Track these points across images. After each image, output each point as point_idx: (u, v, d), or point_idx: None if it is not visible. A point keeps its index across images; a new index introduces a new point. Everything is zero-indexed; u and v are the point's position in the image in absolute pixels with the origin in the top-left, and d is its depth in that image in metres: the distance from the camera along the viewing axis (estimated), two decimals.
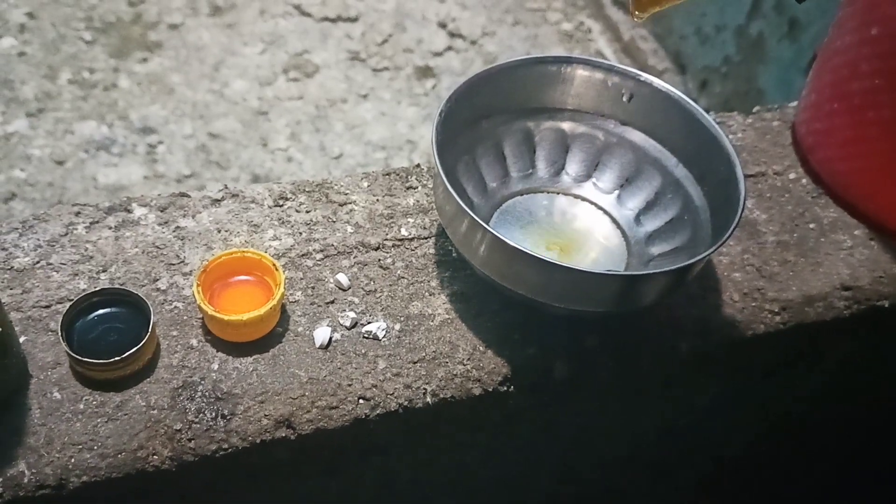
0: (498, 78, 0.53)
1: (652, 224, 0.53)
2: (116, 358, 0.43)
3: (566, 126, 0.55)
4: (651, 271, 0.47)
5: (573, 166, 0.55)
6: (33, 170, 1.09)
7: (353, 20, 1.37)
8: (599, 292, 0.45)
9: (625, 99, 0.53)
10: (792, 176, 0.62)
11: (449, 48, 1.31)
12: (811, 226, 0.58)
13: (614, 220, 0.54)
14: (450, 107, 0.49)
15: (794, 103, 0.66)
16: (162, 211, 0.54)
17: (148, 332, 0.44)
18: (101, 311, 0.46)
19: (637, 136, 0.54)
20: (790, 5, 1.14)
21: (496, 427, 0.54)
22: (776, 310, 0.53)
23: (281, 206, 0.55)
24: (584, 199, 0.55)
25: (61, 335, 0.44)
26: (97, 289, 0.46)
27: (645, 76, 0.52)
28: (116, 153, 1.11)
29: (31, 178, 1.08)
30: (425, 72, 1.28)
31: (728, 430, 0.67)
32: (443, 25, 1.37)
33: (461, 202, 0.44)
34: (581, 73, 0.53)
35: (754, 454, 0.72)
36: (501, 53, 1.23)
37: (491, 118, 0.54)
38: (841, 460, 0.80)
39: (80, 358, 0.43)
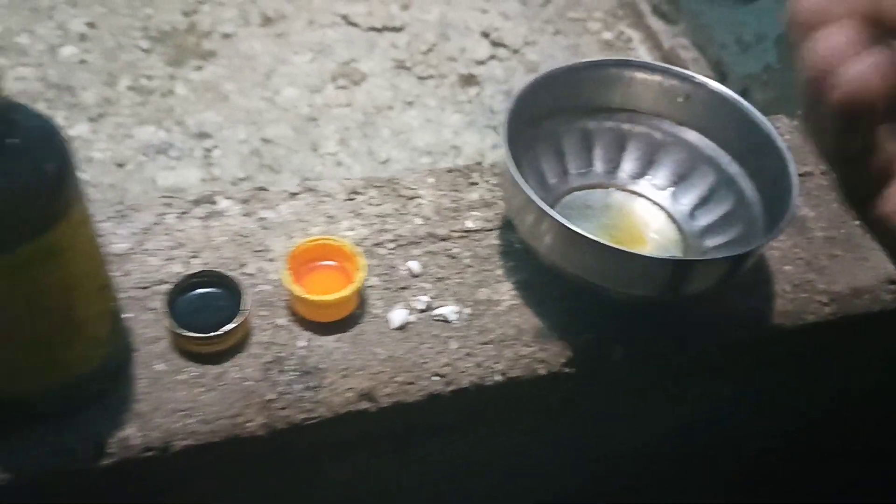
0: (560, 80, 0.56)
1: (706, 218, 0.56)
2: (217, 332, 0.47)
3: (623, 126, 0.58)
4: (710, 257, 0.50)
5: (629, 164, 0.59)
6: (95, 172, 1.15)
7: (399, 30, 1.41)
8: (659, 277, 0.48)
9: (680, 100, 0.57)
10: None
11: (492, 57, 1.35)
12: (856, 223, 0.61)
13: (669, 215, 0.57)
14: (515, 106, 0.52)
15: None
16: (244, 203, 0.58)
17: (242, 310, 0.48)
18: (199, 291, 0.50)
19: (692, 136, 0.57)
20: None
21: (552, 410, 0.57)
22: (825, 301, 0.56)
23: (353, 199, 0.59)
24: (640, 194, 0.58)
25: (167, 311, 0.47)
26: (196, 271, 0.50)
27: (700, 78, 0.56)
28: (174, 156, 1.16)
29: (93, 180, 1.14)
30: (469, 80, 1.32)
31: (773, 421, 0.69)
32: (485, 35, 1.41)
33: (531, 192, 0.48)
34: (639, 75, 0.57)
35: (795, 447, 0.74)
36: (543, 62, 1.26)
37: (552, 118, 0.57)
38: (879, 458, 0.82)
39: (184, 332, 0.47)
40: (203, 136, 1.21)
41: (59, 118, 1.19)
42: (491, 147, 1.20)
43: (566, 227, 0.47)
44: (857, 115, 0.27)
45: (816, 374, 0.65)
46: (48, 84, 1.23)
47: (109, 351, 0.45)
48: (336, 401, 0.48)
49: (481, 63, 1.34)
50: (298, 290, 0.49)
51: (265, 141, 1.21)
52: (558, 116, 0.57)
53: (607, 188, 0.59)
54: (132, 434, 0.45)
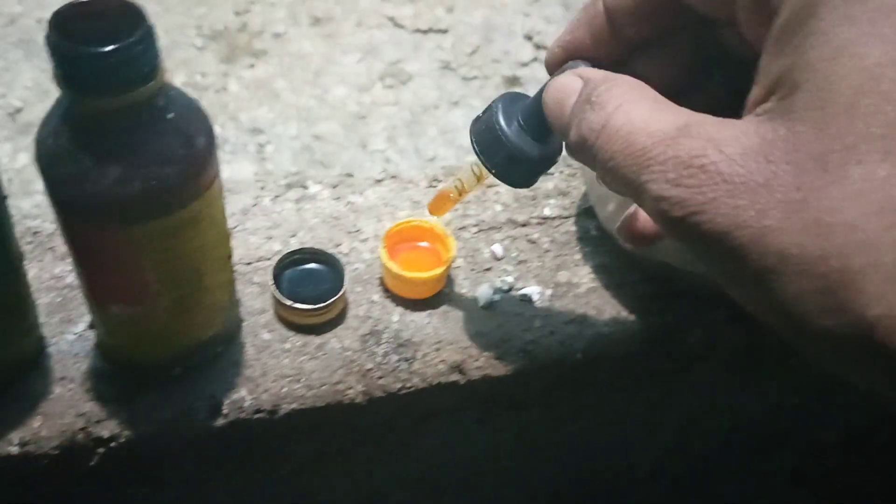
0: None
1: None
2: (323, 304, 0.50)
3: None
4: None
5: None
6: None
7: (444, 32, 1.44)
8: None
9: None
10: None
11: (535, 59, 1.38)
12: None
13: None
14: None
15: None
16: (333, 188, 0.61)
17: (343, 285, 0.51)
18: (301, 267, 0.53)
19: None
20: None
21: (625, 391, 0.60)
22: None
23: (435, 186, 0.62)
24: None
25: (273, 284, 0.51)
26: (298, 248, 0.53)
27: None
28: (229, 151, 1.19)
29: None
30: (512, 81, 1.35)
31: (831, 415, 0.72)
32: (528, 38, 1.44)
33: None
34: None
35: (856, 441, 0.76)
36: None
37: None
38: None
39: (291, 304, 0.50)
40: (256, 131, 1.25)
41: None
42: None
43: None
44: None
45: None
46: None
47: (227, 318, 0.48)
48: (429, 372, 0.51)
49: (525, 65, 1.37)
50: (395, 268, 0.52)
51: (316, 137, 1.24)
52: None
53: None
54: (244, 396, 0.48)
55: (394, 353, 0.51)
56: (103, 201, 0.36)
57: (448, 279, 0.55)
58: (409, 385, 0.51)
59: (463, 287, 0.55)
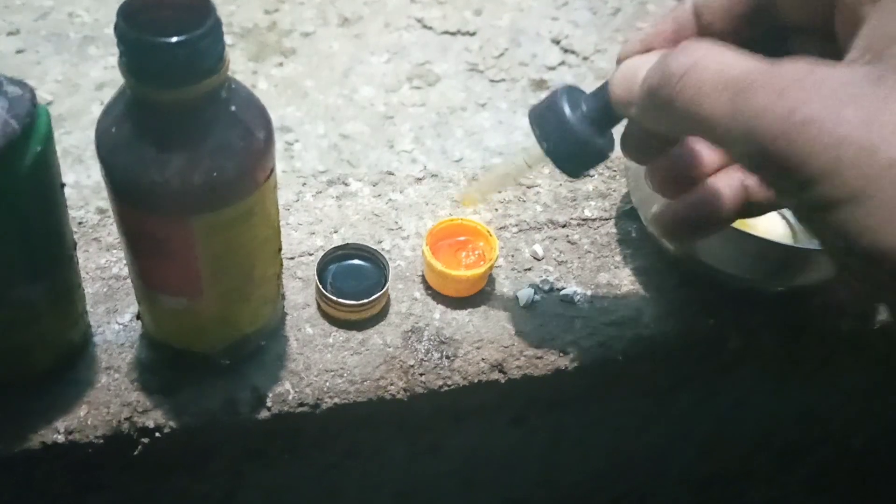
0: None
1: None
2: (368, 300, 0.50)
3: None
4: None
5: None
6: None
7: (472, 34, 1.44)
8: (784, 264, 0.51)
9: None
10: None
11: (562, 63, 1.38)
12: None
13: (780, 212, 0.60)
14: None
15: None
16: (374, 185, 0.61)
17: (387, 281, 0.51)
18: (345, 263, 0.53)
19: None
20: None
21: (659, 394, 0.60)
22: None
23: None
24: None
25: (317, 279, 0.51)
26: (343, 244, 0.53)
27: None
28: None
29: None
30: (540, 84, 1.35)
31: (861, 421, 0.71)
32: (556, 42, 1.44)
33: None
34: None
35: (883, 446, 0.76)
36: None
37: None
38: None
39: (335, 299, 0.50)
40: (285, 129, 1.25)
41: None
42: None
43: None
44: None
45: None
46: None
47: (273, 311, 0.48)
48: (470, 370, 0.51)
49: (552, 69, 1.37)
50: (439, 265, 0.52)
51: (343, 136, 1.25)
52: None
53: None
54: (288, 390, 0.49)
55: (435, 350, 0.51)
56: (164, 192, 0.37)
57: (489, 278, 0.55)
58: (449, 382, 0.51)
59: (503, 286, 0.55)
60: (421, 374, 0.50)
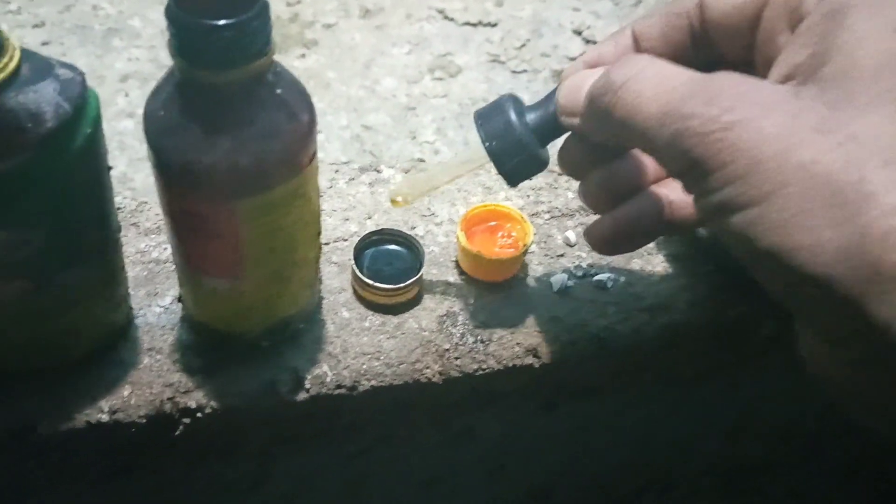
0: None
1: None
2: (403, 284, 0.51)
3: None
4: None
5: None
6: None
7: (493, 25, 1.44)
8: None
9: None
10: None
11: (584, 54, 1.38)
12: None
13: None
14: None
15: None
16: (405, 173, 0.62)
17: (422, 266, 0.52)
18: (380, 248, 0.54)
19: None
20: None
21: (690, 381, 0.60)
22: None
23: None
24: None
25: (353, 264, 0.51)
26: (378, 229, 0.54)
27: None
28: None
29: None
30: (561, 75, 1.35)
31: None
32: (578, 32, 1.43)
33: None
34: None
35: None
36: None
37: None
38: None
39: (372, 283, 0.51)
40: None
41: None
42: None
43: None
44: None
45: None
46: (160, 66, 1.29)
47: (311, 294, 0.49)
48: (504, 354, 0.52)
49: (574, 60, 1.37)
50: (473, 249, 0.52)
51: (365, 127, 1.25)
52: None
53: None
54: (326, 372, 0.49)
55: (470, 334, 0.52)
56: (212, 174, 0.37)
57: (522, 264, 0.56)
58: (484, 366, 0.51)
59: (536, 272, 0.56)
60: (456, 358, 0.51)
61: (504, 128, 0.43)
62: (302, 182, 0.41)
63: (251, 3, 0.35)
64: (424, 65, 1.38)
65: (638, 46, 0.41)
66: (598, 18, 1.47)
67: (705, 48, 0.39)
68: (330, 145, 1.26)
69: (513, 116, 0.43)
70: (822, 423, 0.72)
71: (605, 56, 0.42)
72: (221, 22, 0.34)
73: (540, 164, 0.45)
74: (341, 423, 0.52)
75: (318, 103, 1.33)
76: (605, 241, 0.46)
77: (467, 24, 1.44)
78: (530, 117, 0.43)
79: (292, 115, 0.39)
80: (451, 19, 1.44)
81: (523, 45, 1.39)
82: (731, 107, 0.31)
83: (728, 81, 0.32)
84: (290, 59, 1.39)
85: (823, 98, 0.31)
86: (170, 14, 0.35)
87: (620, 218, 0.45)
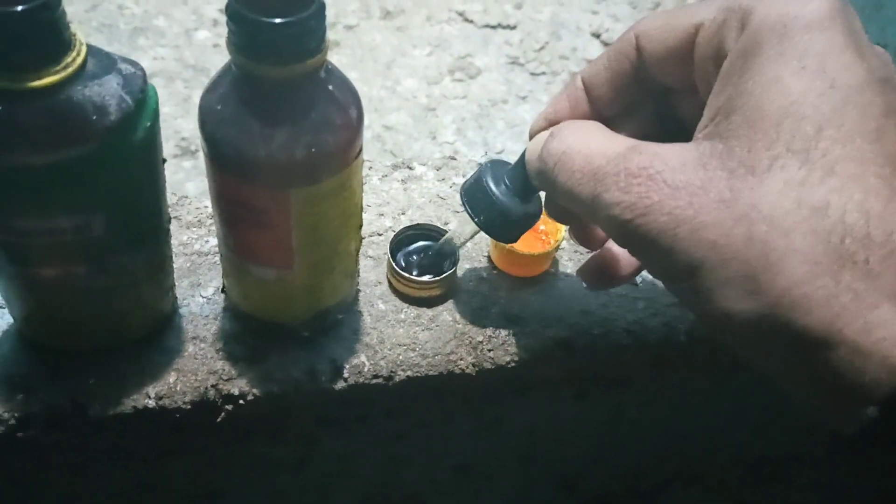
0: None
1: None
2: (439, 277, 0.52)
3: None
4: None
5: None
6: None
7: (513, 28, 1.46)
8: None
9: None
10: None
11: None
12: None
13: None
14: None
15: None
16: (437, 170, 0.63)
17: (457, 260, 0.53)
18: (415, 242, 0.55)
19: None
20: None
21: (719, 373, 0.61)
22: None
23: None
24: None
25: (390, 257, 0.53)
26: (413, 224, 0.55)
27: None
28: None
29: None
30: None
31: None
32: (596, 35, 1.45)
33: None
34: None
35: None
36: None
37: None
38: None
39: (408, 276, 0.52)
40: None
41: (196, 97, 1.26)
42: None
43: None
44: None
45: None
46: (185, 65, 1.31)
47: (350, 285, 0.50)
48: (536, 347, 0.53)
49: (589, 62, 1.38)
50: (507, 245, 0.54)
51: (386, 128, 1.27)
52: None
53: None
54: (364, 362, 0.51)
55: (503, 327, 0.53)
56: (267, 165, 0.39)
57: (553, 260, 0.57)
58: (517, 358, 0.53)
59: (567, 267, 0.57)
60: (489, 350, 0.52)
61: (486, 202, 0.46)
62: (349, 175, 0.42)
63: (309, 2, 0.36)
64: (444, 66, 1.41)
65: (590, 95, 0.42)
66: (617, 21, 1.49)
67: (650, 81, 0.41)
68: None
69: (492, 187, 0.46)
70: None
71: (560, 112, 0.44)
72: (281, 20, 0.36)
73: (529, 222, 0.47)
74: (378, 410, 0.53)
75: None
76: (592, 278, 0.50)
77: (487, 26, 1.46)
78: (509, 179, 0.46)
79: (343, 111, 0.40)
80: (471, 21, 1.46)
81: (542, 48, 1.41)
82: (644, 192, 0.33)
83: (642, 160, 0.34)
84: None
85: (728, 164, 0.32)
86: (230, 11, 0.36)
87: (606, 256, 0.49)
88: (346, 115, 0.40)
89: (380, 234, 0.57)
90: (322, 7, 0.37)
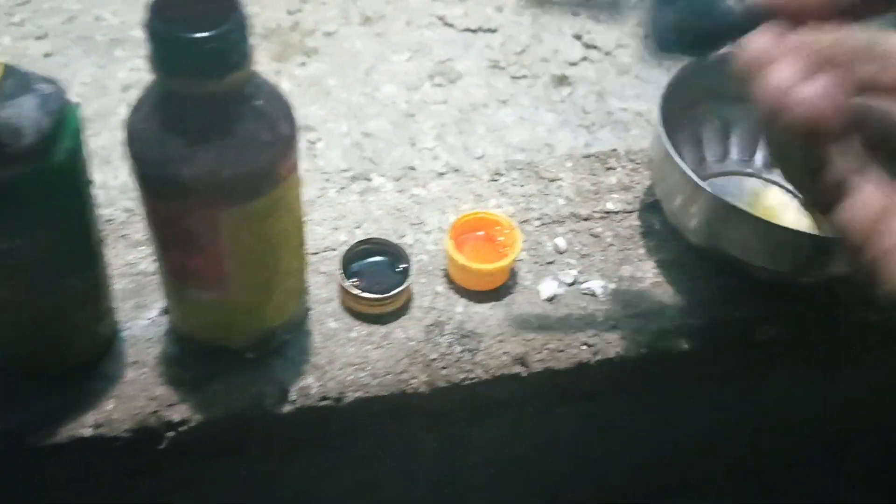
0: (708, 68, 0.58)
1: None
2: (390, 294, 0.50)
3: None
4: None
5: (765, 152, 0.61)
6: None
7: (493, 31, 1.44)
8: (818, 256, 0.50)
9: None
10: None
11: (584, 59, 1.38)
12: None
13: (805, 206, 0.59)
14: (669, 91, 0.55)
15: None
16: (397, 181, 0.62)
17: (410, 276, 0.52)
18: (368, 258, 0.53)
19: None
20: None
21: (692, 387, 0.60)
22: None
23: (497, 180, 0.62)
24: (774, 182, 0.61)
25: (341, 273, 0.51)
26: (366, 238, 0.54)
27: None
28: None
29: None
30: (561, 80, 1.35)
31: None
32: (578, 37, 1.44)
33: (686, 169, 0.50)
34: None
35: None
36: (635, 64, 1.29)
37: (696, 106, 0.60)
38: None
39: (358, 293, 0.50)
40: (308, 128, 1.26)
41: None
42: (584, 145, 1.22)
43: (723, 201, 0.49)
44: (809, 135, 0.32)
45: None
46: None
47: (297, 305, 0.49)
48: (492, 363, 0.51)
49: (573, 64, 1.37)
50: (461, 259, 0.52)
51: (366, 135, 1.25)
52: (702, 104, 0.60)
53: (743, 176, 0.61)
54: (311, 383, 0.49)
55: (457, 343, 0.52)
56: (193, 185, 0.37)
57: (511, 272, 0.55)
58: (472, 376, 0.51)
59: (526, 280, 0.55)
60: (443, 368, 0.51)
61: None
62: (284, 193, 0.41)
63: (229, 17, 0.35)
64: (425, 71, 1.38)
65: None
66: (598, 23, 1.47)
67: None
68: (330, 152, 1.26)
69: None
70: (848, 424, 0.71)
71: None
72: (200, 35, 0.34)
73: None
74: (332, 433, 0.51)
75: (319, 111, 1.34)
76: None
77: (467, 30, 1.44)
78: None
79: (272, 126, 0.39)
80: (451, 25, 1.44)
81: (523, 51, 1.39)
82: None
83: None
84: (291, 67, 1.39)
85: None
86: (149, 27, 0.35)
87: None
88: (275, 130, 0.39)
89: (333, 250, 0.56)
90: (243, 20, 0.36)
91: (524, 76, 1.39)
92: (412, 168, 0.61)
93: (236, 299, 0.44)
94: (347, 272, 0.52)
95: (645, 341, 0.53)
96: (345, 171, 1.28)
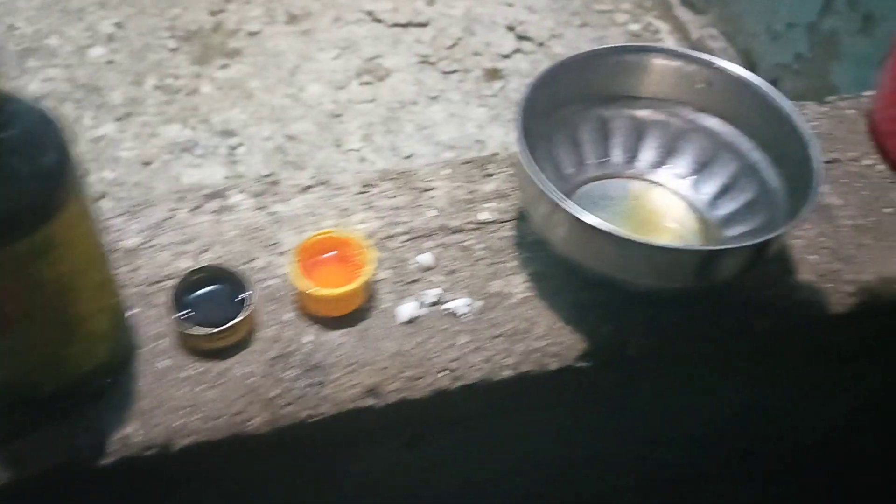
0: (576, 67, 0.54)
1: (728, 207, 0.54)
2: (220, 328, 0.46)
3: (642, 113, 0.57)
4: (729, 246, 0.48)
5: (648, 153, 0.57)
6: (122, 171, 1.15)
7: (424, 25, 1.40)
8: (678, 267, 0.46)
9: (701, 86, 0.55)
10: (867, 162, 0.62)
11: (517, 50, 1.33)
12: (887, 210, 0.58)
13: (690, 204, 0.55)
14: (530, 95, 0.51)
15: (871, 92, 0.66)
16: (257, 197, 0.57)
17: (247, 305, 0.47)
18: (205, 287, 0.49)
19: (713, 122, 0.55)
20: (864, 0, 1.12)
21: (573, 404, 0.56)
22: (852, 290, 0.53)
23: (366, 192, 0.58)
24: (659, 184, 0.56)
25: (172, 307, 0.47)
26: (200, 266, 0.49)
27: (721, 63, 0.54)
28: (199, 154, 1.16)
29: (119, 179, 1.15)
30: (493, 74, 1.31)
31: (808, 416, 0.67)
32: (511, 28, 1.39)
33: (544, 182, 0.46)
34: (658, 62, 0.55)
35: (834, 443, 0.71)
36: (569, 55, 1.24)
37: (568, 107, 0.56)
38: None
39: (187, 329, 0.46)
40: (228, 133, 1.21)
41: (87, 118, 1.20)
42: (515, 140, 1.18)
43: (579, 218, 0.45)
44: None
45: (851, 369, 0.62)
46: (76, 85, 1.25)
47: (112, 347, 0.44)
48: (341, 397, 0.47)
49: (506, 57, 1.32)
50: (304, 285, 0.48)
51: (289, 138, 1.21)
52: (575, 105, 0.56)
53: (626, 178, 0.57)
54: (133, 432, 0.45)
55: (303, 377, 0.47)
56: None
57: (370, 293, 0.51)
58: (318, 412, 0.47)
59: (386, 301, 0.51)
60: (286, 405, 0.46)
61: None
62: (58, 229, 0.36)
63: None
64: (352, 69, 1.34)
65: None
66: (533, 13, 1.42)
67: None
68: (251, 158, 1.22)
69: None
70: (745, 432, 0.68)
71: None
72: None
73: None
74: (164, 485, 0.47)
75: (241, 115, 1.30)
76: None
77: (397, 25, 1.39)
78: None
79: (31, 158, 0.34)
80: (381, 21, 1.40)
81: (455, 44, 1.35)
82: None
83: None
84: (211, 71, 1.35)
85: None
86: None
87: None
88: (34, 163, 0.34)
89: (174, 278, 0.51)
90: None
91: (455, 70, 1.35)
92: (275, 183, 0.57)
93: (27, 345, 0.39)
94: (180, 304, 0.48)
95: (511, 363, 0.49)
96: (266, 176, 1.24)
